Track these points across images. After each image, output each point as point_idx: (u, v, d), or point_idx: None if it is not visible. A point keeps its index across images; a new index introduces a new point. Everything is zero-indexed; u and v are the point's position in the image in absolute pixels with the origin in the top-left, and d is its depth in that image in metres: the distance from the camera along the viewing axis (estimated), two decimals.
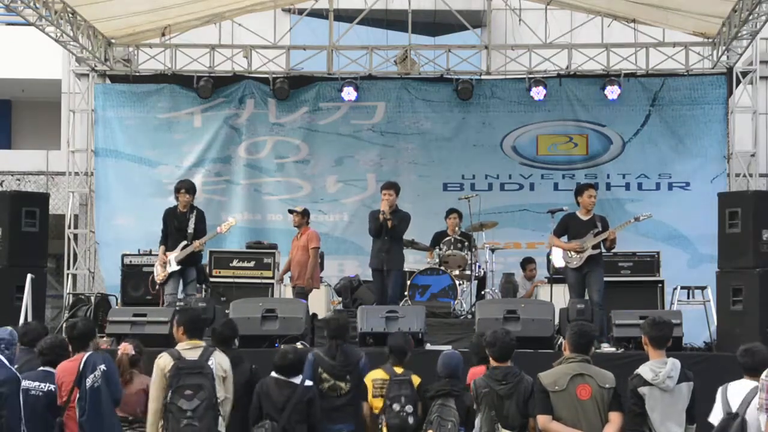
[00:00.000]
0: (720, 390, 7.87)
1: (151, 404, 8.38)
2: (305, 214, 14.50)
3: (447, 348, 12.05)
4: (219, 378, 8.26)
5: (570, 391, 7.55)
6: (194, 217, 13.35)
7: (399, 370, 9.28)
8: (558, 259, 13.50)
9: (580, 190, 13.03)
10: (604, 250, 12.90)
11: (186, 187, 13.51)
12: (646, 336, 7.92)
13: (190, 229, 13.26)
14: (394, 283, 13.48)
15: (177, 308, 12.22)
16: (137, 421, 8.80)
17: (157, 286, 13.35)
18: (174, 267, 13.14)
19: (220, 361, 8.34)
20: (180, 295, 13.23)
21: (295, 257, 14.30)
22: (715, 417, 7.79)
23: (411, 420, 8.94)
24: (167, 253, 13.24)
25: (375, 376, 9.30)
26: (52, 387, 8.45)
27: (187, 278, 13.27)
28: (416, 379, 9.19)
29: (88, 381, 8.35)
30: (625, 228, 13.37)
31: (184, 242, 13.24)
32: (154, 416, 8.33)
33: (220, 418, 8.29)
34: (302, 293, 13.87)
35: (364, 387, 9.32)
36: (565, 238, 12.96)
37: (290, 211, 14.96)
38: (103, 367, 8.37)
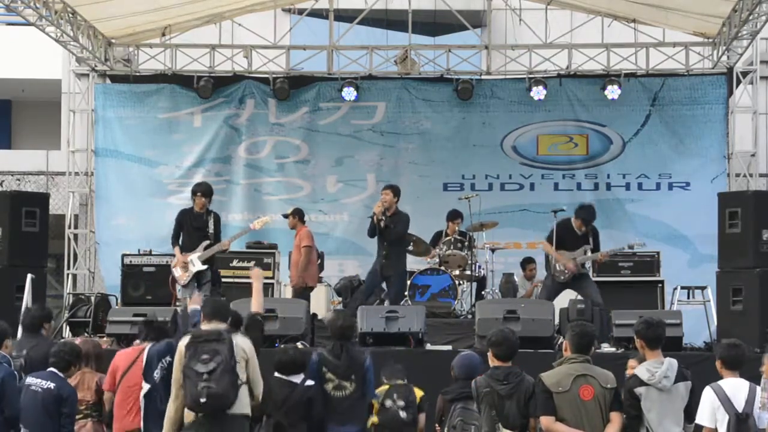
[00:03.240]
0: (712, 390, 7.88)
1: (173, 385, 8.20)
2: (296, 214, 14.57)
3: (447, 348, 12.09)
4: (240, 359, 8.12)
5: (573, 392, 7.54)
6: (212, 219, 13.28)
7: (400, 382, 9.14)
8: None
9: (581, 216, 13.13)
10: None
11: (202, 190, 13.38)
12: (640, 337, 7.92)
13: (210, 229, 13.20)
14: (395, 286, 13.52)
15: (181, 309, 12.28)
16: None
17: (179, 289, 13.25)
18: (199, 266, 13.00)
19: (240, 343, 8.09)
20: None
21: (292, 258, 14.36)
22: (706, 418, 7.80)
23: (403, 414, 8.88)
24: (185, 254, 13.11)
25: (379, 390, 9.24)
26: (51, 385, 8.49)
27: (202, 279, 13.17)
28: (418, 392, 9.10)
29: (157, 373, 8.48)
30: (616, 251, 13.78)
31: (207, 242, 13.12)
32: (175, 391, 8.16)
33: (248, 400, 8.12)
34: (296, 292, 13.95)
35: (370, 387, 9.20)
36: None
37: (284, 216, 15.02)
38: (168, 358, 8.51)
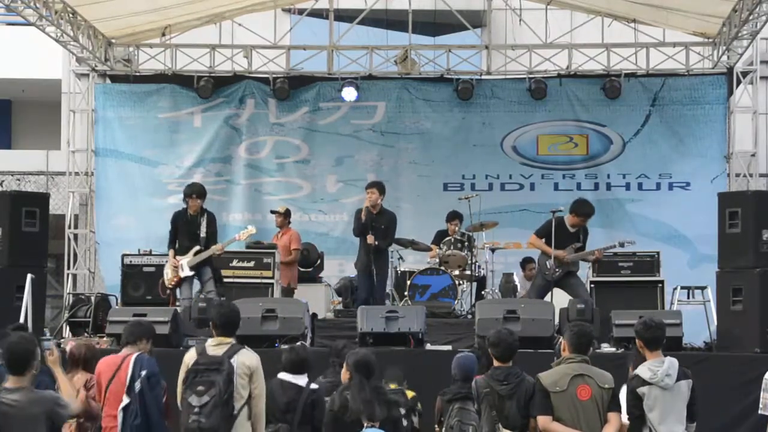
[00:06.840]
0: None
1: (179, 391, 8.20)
2: (288, 214, 14.82)
3: (447, 348, 12.08)
4: (243, 376, 8.10)
5: (570, 392, 7.54)
6: (205, 220, 13.22)
7: (393, 386, 8.84)
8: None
9: (585, 213, 13.22)
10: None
11: (196, 191, 13.33)
12: (640, 338, 7.92)
13: (202, 233, 13.17)
14: (380, 285, 13.56)
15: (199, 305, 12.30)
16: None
17: (167, 291, 13.30)
18: (187, 272, 13.04)
19: (244, 360, 8.10)
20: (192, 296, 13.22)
21: (279, 258, 14.47)
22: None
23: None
24: (177, 257, 13.14)
25: None
26: None
27: (204, 277, 13.16)
28: (410, 393, 8.93)
29: (137, 385, 8.28)
30: (607, 251, 13.71)
31: (197, 247, 13.11)
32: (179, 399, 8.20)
33: (243, 415, 8.10)
34: (284, 293, 14.15)
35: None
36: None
37: (273, 212, 15.03)
38: (144, 372, 8.30)
